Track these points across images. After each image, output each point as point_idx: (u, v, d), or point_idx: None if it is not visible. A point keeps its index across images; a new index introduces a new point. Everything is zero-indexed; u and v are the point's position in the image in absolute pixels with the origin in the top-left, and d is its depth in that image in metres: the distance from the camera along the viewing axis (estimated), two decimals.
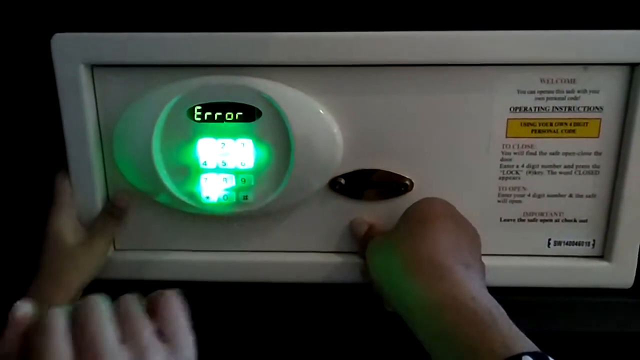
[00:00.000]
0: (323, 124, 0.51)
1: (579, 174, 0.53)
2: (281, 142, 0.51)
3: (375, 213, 0.54)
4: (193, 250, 0.57)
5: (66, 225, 0.53)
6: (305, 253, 0.56)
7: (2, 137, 0.56)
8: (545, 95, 0.50)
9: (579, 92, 0.50)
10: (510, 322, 0.39)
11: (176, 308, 0.36)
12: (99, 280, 0.55)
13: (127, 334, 0.34)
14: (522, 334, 0.38)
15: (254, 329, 0.58)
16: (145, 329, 0.34)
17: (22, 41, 0.53)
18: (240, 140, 0.51)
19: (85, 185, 0.54)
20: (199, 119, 0.51)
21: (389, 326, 0.55)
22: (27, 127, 0.56)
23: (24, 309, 0.35)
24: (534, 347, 0.37)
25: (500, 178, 0.53)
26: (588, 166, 0.52)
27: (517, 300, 0.54)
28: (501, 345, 0.36)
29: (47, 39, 0.49)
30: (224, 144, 0.51)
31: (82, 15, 0.51)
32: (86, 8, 0.51)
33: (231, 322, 0.58)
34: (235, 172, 0.52)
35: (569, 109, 0.51)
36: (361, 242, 0.54)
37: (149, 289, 0.56)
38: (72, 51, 0.50)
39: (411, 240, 0.45)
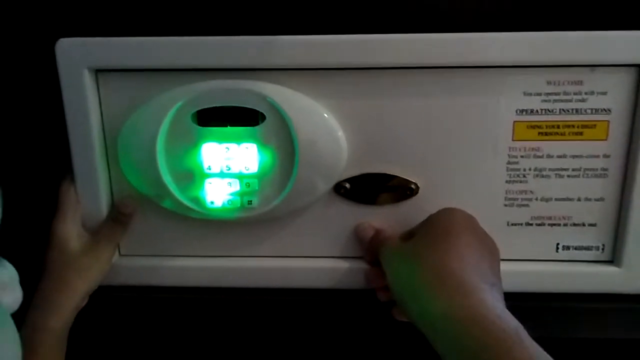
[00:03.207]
0: (327, 128, 0.51)
1: (587, 177, 0.52)
2: (285, 146, 0.51)
3: (380, 217, 0.54)
4: (197, 256, 0.56)
5: (71, 232, 0.53)
6: (310, 258, 0.56)
7: (7, 143, 0.56)
8: (552, 98, 0.50)
9: (586, 93, 0.50)
10: (534, 342, 0.39)
11: None
12: (104, 286, 0.55)
13: None
14: (547, 355, 0.38)
15: (258, 335, 0.58)
16: None
17: (27, 46, 0.53)
18: (245, 145, 0.51)
19: (90, 191, 0.54)
20: (203, 123, 0.51)
21: (393, 332, 0.55)
22: (31, 132, 0.56)
23: None
24: None
25: (507, 182, 0.53)
26: (596, 169, 0.52)
27: (525, 306, 0.53)
28: None
29: (51, 43, 0.49)
30: (228, 148, 0.51)
31: (87, 19, 0.51)
32: (91, 12, 0.51)
33: (236, 328, 0.57)
34: (240, 176, 0.52)
35: (576, 111, 0.50)
36: (368, 246, 0.53)
37: (153, 295, 0.57)
38: (77, 56, 0.50)
39: (436, 252, 0.44)
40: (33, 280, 0.51)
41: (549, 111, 0.50)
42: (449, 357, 0.40)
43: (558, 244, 0.54)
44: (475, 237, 0.46)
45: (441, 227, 0.47)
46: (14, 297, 0.39)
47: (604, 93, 0.50)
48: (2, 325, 0.38)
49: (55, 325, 0.50)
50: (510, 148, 0.52)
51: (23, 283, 0.49)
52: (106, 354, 0.60)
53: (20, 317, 0.50)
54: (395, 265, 0.47)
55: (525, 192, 0.53)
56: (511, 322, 0.39)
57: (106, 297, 0.56)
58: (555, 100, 0.50)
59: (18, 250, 0.56)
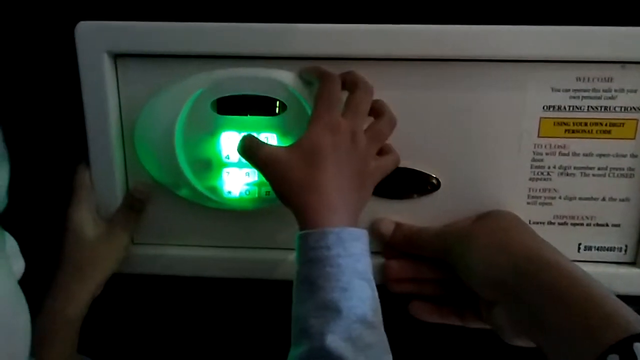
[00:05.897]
0: None
1: (613, 176, 0.51)
2: None
3: (401, 212, 0.53)
4: (213, 246, 0.56)
5: (86, 219, 0.52)
6: None
7: (24, 128, 0.55)
8: (580, 94, 0.49)
9: (615, 91, 0.49)
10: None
11: None
12: (117, 274, 0.54)
13: None
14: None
15: (273, 327, 0.57)
16: None
17: (46, 29, 0.52)
18: (264, 134, 0.50)
19: (106, 178, 0.53)
20: (222, 111, 0.50)
21: (410, 325, 0.54)
22: (48, 117, 0.55)
23: None
24: None
25: (530, 179, 0.52)
26: (623, 169, 0.51)
27: None
28: (637, 320, 0.36)
29: (71, 27, 0.48)
30: None
31: (107, 3, 0.50)
32: None
33: (250, 320, 0.57)
34: None
35: (605, 108, 0.49)
36: (392, 241, 0.52)
37: (167, 284, 0.56)
38: (96, 40, 0.49)
39: (518, 226, 0.48)
40: (49, 269, 0.51)
41: (577, 108, 0.49)
42: (556, 306, 0.40)
43: (580, 244, 0.53)
44: None
45: (511, 216, 0.50)
46: (18, 265, 0.40)
47: (634, 91, 0.48)
48: (16, 293, 0.39)
49: (70, 313, 0.50)
50: (535, 145, 0.50)
51: (39, 273, 0.48)
52: (119, 342, 0.60)
53: (37, 305, 0.50)
54: (479, 240, 0.47)
55: (549, 190, 0.52)
56: None
57: (119, 285, 0.55)
58: (584, 97, 0.49)
59: (34, 238, 0.56)
